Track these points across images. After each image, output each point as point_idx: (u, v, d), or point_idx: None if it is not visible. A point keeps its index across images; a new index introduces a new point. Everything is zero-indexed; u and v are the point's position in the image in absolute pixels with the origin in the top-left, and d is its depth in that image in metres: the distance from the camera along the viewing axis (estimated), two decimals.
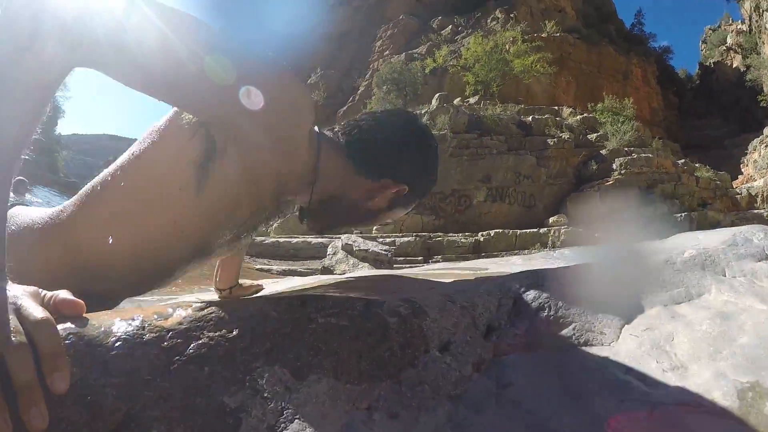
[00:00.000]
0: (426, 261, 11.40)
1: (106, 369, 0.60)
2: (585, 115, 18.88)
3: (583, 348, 0.97)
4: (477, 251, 11.21)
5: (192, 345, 0.68)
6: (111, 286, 1.04)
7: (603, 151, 15.85)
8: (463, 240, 11.63)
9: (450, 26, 31.04)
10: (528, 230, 12.29)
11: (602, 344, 0.98)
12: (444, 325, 0.91)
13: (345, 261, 7.29)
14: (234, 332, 0.72)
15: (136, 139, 1.06)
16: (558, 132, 16.42)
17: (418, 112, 17.63)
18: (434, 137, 1.29)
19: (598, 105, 20.18)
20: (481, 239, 11.78)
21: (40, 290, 0.64)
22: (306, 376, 0.72)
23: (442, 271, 1.93)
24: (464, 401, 0.81)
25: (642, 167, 14.80)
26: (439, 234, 12.23)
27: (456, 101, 18.84)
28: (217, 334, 0.71)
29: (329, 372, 0.74)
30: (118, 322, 0.66)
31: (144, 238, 1.01)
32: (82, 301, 0.65)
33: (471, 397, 0.82)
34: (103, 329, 0.64)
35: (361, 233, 13.16)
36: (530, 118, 17.07)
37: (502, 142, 15.79)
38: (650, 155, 15.40)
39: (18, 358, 0.53)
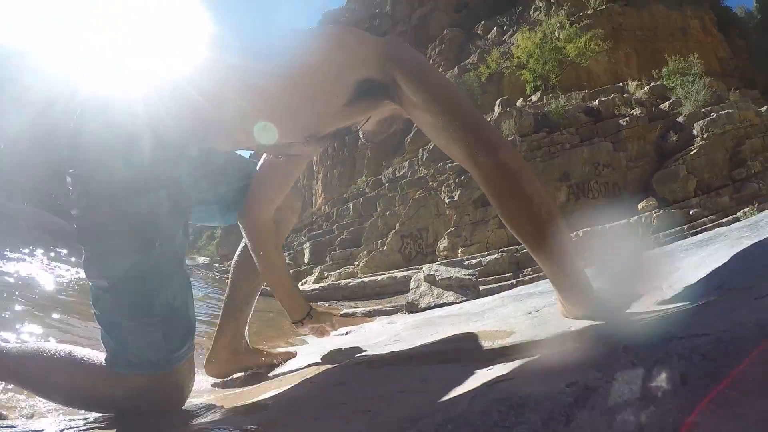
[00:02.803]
0: (515, 276, 11.16)
1: None
2: (652, 84, 18.04)
3: None
4: None
5: None
6: None
7: (680, 119, 15.21)
8: None
9: (495, 28, 30.64)
10: (618, 222, 11.75)
11: None
12: None
13: (429, 293, 7.18)
14: None
15: None
16: (628, 110, 15.80)
17: None
18: None
19: (663, 70, 19.19)
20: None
21: None
22: None
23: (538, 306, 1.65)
24: None
25: (724, 126, 14.02)
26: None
27: (518, 103, 18.47)
28: None
29: None
30: None
31: None
32: None
33: None
34: None
35: (445, 259, 13.01)
36: (596, 102, 16.52)
37: (573, 134, 15.37)
38: (730, 110, 14.55)
39: None
